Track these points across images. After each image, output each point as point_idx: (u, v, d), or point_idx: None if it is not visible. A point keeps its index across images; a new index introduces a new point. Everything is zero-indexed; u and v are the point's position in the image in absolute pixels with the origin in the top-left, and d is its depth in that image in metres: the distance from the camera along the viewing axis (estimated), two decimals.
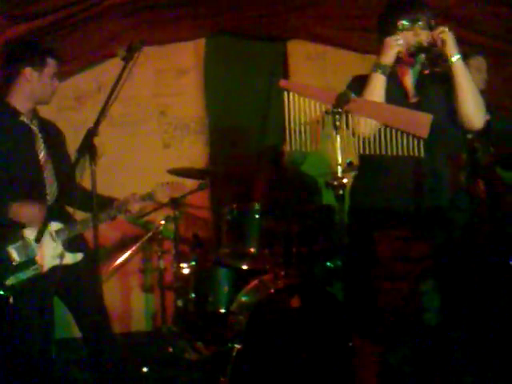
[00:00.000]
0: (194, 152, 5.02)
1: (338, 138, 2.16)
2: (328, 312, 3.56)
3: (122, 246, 4.70)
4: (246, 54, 5.03)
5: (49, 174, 3.09)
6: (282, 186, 4.46)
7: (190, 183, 4.19)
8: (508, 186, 4.06)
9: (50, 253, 2.99)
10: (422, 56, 2.63)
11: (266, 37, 4.97)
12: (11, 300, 2.84)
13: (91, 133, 2.56)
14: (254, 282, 3.81)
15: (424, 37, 2.60)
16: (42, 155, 3.08)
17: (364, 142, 2.27)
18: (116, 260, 4.47)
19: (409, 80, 2.78)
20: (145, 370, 3.83)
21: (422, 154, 2.27)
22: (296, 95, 2.27)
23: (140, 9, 4.21)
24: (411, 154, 2.26)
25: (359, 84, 2.73)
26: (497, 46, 4.30)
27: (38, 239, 2.78)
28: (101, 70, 4.76)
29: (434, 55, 2.55)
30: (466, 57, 4.02)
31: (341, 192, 2.17)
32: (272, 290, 3.63)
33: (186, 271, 4.08)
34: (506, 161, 4.00)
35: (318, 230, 3.93)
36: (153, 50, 4.82)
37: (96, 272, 3.08)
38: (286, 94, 2.29)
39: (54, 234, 3.02)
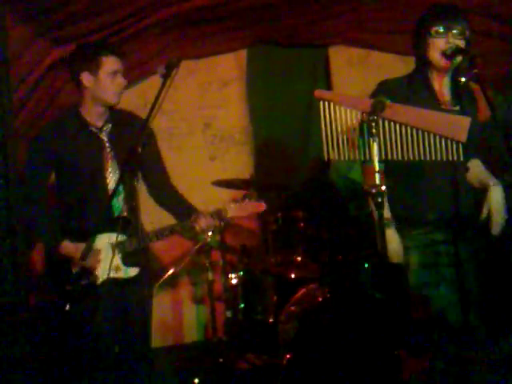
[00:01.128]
0: (240, 163, 5.04)
1: (375, 146, 2.14)
2: (375, 318, 3.54)
3: (172, 258, 4.75)
4: (287, 62, 5.04)
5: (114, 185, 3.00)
6: (328, 194, 4.44)
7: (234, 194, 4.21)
8: None
9: (107, 264, 2.93)
10: (459, 59, 2.59)
11: (307, 44, 4.97)
12: (67, 307, 2.82)
13: (133, 150, 2.59)
14: (302, 291, 3.81)
15: (458, 44, 2.59)
16: (108, 165, 3.08)
17: (402, 148, 2.24)
18: (167, 272, 4.50)
19: (445, 88, 2.75)
20: (196, 381, 3.85)
21: (462, 158, 2.24)
22: (332, 104, 2.27)
23: (179, 24, 4.25)
24: (450, 158, 2.23)
25: (386, 88, 2.72)
26: None
27: (83, 258, 2.84)
28: (147, 86, 4.82)
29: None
30: None
31: (379, 199, 2.15)
32: (319, 299, 3.63)
33: (234, 281, 4.11)
34: None
35: (361, 236, 3.91)
36: (195, 63, 4.91)
37: (147, 292, 3.18)
38: (321, 103, 2.28)
39: (114, 245, 2.97)
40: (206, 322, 4.82)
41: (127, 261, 3.04)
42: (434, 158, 2.23)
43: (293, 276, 3.95)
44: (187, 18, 4.14)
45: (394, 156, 2.23)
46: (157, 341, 4.86)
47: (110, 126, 3.12)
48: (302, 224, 3.91)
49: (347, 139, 2.25)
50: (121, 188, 2.97)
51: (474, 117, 2.60)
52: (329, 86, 5.09)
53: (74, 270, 2.97)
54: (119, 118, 3.17)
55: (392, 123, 2.23)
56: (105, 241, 3.01)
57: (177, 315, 4.97)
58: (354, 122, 2.24)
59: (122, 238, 3.00)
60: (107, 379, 3.03)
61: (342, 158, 2.25)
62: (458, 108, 2.70)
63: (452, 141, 2.21)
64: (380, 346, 3.48)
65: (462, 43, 2.62)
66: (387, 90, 2.65)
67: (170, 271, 4.47)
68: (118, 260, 3.00)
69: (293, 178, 4.92)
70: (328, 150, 2.27)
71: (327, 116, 2.28)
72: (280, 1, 4.13)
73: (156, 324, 4.83)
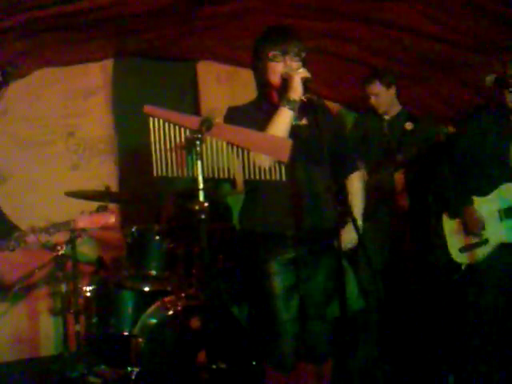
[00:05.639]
0: (104, 172, 4.99)
1: (199, 163, 2.18)
2: (229, 334, 3.60)
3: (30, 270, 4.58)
4: (155, 75, 5.05)
5: None
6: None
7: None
8: None
9: None
10: None
11: (174, 58, 4.99)
12: None
13: None
14: (156, 304, 3.80)
15: (295, 66, 2.68)
16: None
17: (229, 167, 2.29)
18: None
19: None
20: None
21: (284, 178, 2.30)
22: (161, 121, 2.29)
23: (42, 30, 4.14)
24: (273, 178, 2.29)
25: (238, 113, 2.81)
26: None
27: None
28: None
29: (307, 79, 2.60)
30: None
31: (203, 216, 2.19)
32: (171, 312, 3.64)
33: (88, 294, 4.04)
34: None
35: (218, 250, 3.97)
36: (60, 71, 4.82)
37: None
38: (151, 119, 2.30)
39: None
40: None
41: None
42: (258, 176, 2.29)
43: (147, 289, 3.93)
44: (47, 25, 4.03)
45: (221, 174, 2.28)
46: (13, 353, 4.74)
47: None
48: (156, 237, 3.90)
49: (176, 156, 2.27)
50: None
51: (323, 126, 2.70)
52: (196, 101, 5.15)
53: None
54: None
55: (219, 142, 2.27)
56: None
57: (33, 327, 4.83)
58: (183, 139, 2.27)
59: None
60: None
61: (170, 174, 2.28)
62: (304, 122, 2.82)
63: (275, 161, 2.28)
64: (232, 361, 3.55)
65: (298, 64, 2.70)
66: (239, 115, 2.75)
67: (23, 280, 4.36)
68: None
69: (158, 188, 4.89)
70: (157, 165, 2.28)
71: (157, 132, 2.29)
72: (142, 13, 4.10)
73: (11, 336, 4.73)
